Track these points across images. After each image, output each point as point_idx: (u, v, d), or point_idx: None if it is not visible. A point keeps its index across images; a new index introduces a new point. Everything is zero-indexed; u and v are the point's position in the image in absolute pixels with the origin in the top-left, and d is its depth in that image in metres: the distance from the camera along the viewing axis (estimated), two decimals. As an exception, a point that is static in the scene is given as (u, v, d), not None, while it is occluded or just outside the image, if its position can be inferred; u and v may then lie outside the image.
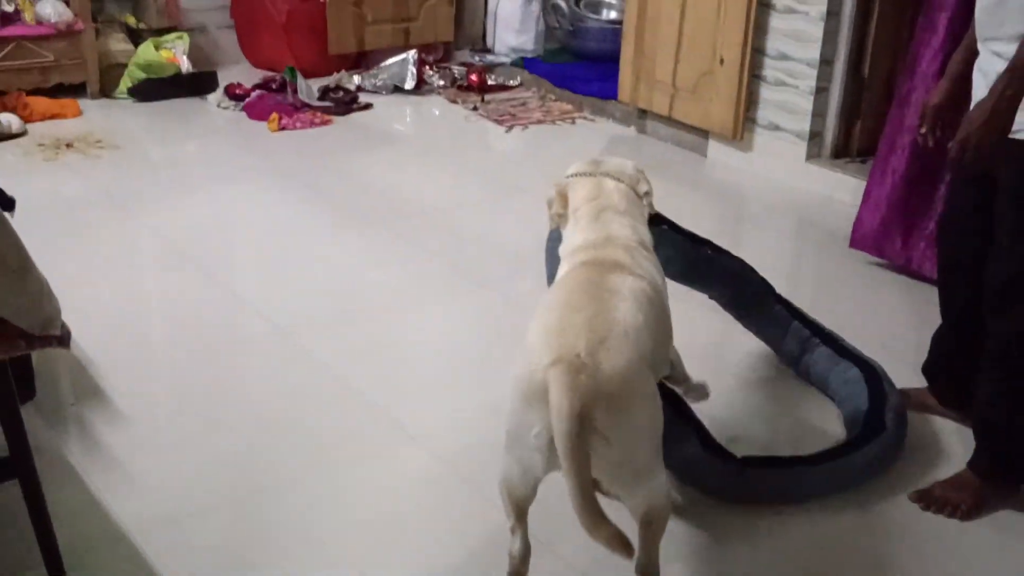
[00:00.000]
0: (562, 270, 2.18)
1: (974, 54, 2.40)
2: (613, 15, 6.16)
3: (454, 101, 5.65)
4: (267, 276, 3.63)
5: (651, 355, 1.97)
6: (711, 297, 2.98)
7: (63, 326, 2.02)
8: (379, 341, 3.19)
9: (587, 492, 1.77)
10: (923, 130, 2.56)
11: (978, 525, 2.42)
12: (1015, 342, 2.38)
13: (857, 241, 3.78)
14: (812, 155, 4.50)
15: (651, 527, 1.97)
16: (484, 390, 2.92)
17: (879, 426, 2.58)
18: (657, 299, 2.10)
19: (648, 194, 2.33)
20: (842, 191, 4.34)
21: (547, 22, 6.26)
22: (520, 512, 2.03)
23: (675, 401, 2.42)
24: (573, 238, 2.22)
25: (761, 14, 4.47)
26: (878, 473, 2.55)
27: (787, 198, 4.42)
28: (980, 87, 2.35)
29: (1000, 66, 2.24)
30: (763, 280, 3.00)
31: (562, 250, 2.24)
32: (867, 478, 2.52)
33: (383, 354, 3.11)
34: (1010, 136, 2.25)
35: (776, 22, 4.46)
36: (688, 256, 2.80)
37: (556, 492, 1.91)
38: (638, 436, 1.88)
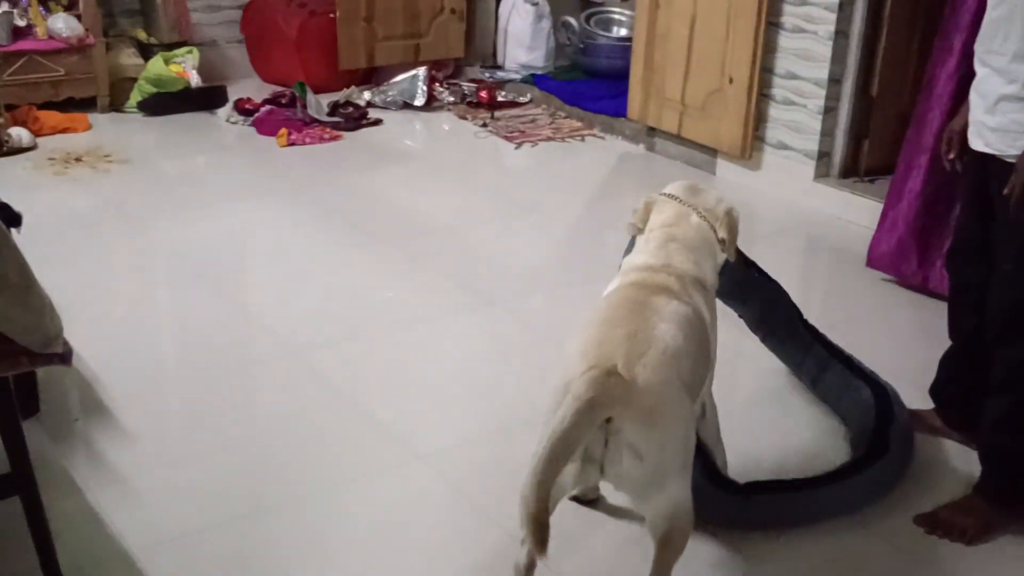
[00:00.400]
0: (612, 285, 2.23)
1: None
2: (623, 32, 6.17)
3: (464, 117, 5.66)
4: (275, 293, 3.64)
5: (689, 379, 1.99)
6: (740, 315, 2.98)
7: (65, 343, 2.02)
8: (388, 359, 3.18)
9: (551, 474, 1.78)
10: (951, 156, 2.51)
11: (984, 550, 2.40)
12: (1020, 368, 2.36)
13: (874, 261, 3.78)
14: (820, 174, 4.49)
15: (668, 548, 1.98)
16: (493, 409, 2.92)
17: (883, 447, 2.56)
18: (700, 328, 2.11)
19: (723, 242, 2.30)
20: (851, 210, 4.33)
21: (558, 39, 6.28)
22: (534, 524, 2.02)
23: None
24: (636, 257, 2.25)
25: (770, 33, 4.47)
26: (881, 495, 2.53)
27: (796, 217, 4.41)
28: (978, 108, 2.34)
29: (998, 85, 2.24)
30: (793, 305, 3.02)
31: (623, 263, 2.27)
32: (870, 500, 2.50)
33: (392, 372, 3.11)
34: (1011, 161, 2.24)
35: (785, 41, 4.46)
36: (735, 276, 2.79)
37: (557, 511, 1.90)
38: (669, 455, 1.90)
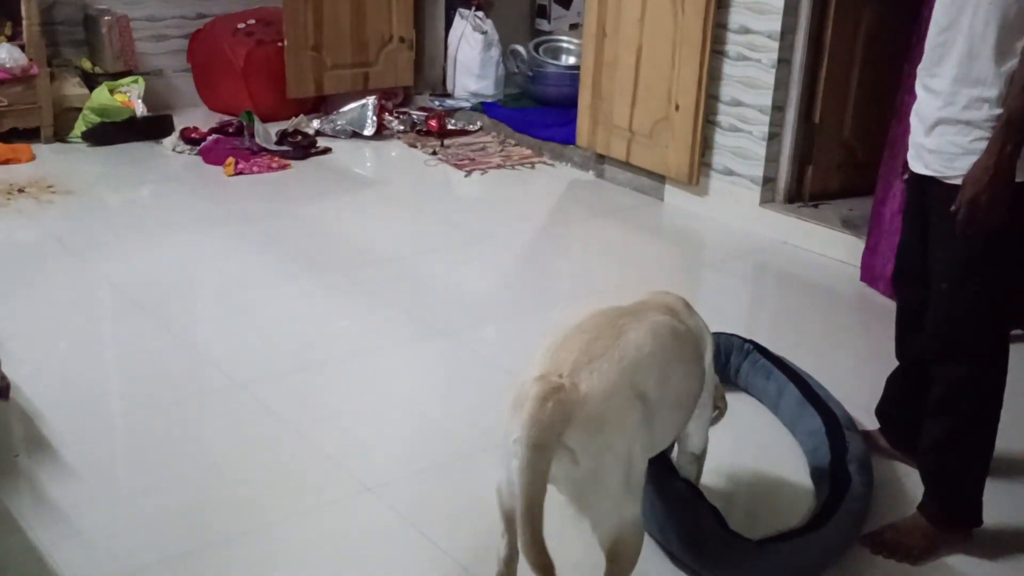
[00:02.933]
0: None
1: None
2: (572, 60, 6.22)
3: (413, 145, 5.66)
4: (223, 326, 3.59)
5: (654, 390, 1.99)
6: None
7: (3, 378, 1.98)
8: (337, 391, 3.16)
9: (535, 507, 1.79)
10: (906, 176, 2.56)
11: (930, 570, 2.43)
12: (957, 388, 2.40)
13: (866, 276, 3.96)
14: (766, 200, 4.55)
15: (616, 563, 1.98)
16: (444, 439, 2.91)
17: (844, 480, 2.54)
18: (688, 344, 2.18)
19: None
20: (796, 235, 4.39)
21: (507, 67, 6.32)
22: (509, 519, 2.05)
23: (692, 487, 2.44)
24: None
25: (715, 61, 4.54)
26: (862, 528, 2.51)
27: (742, 242, 4.46)
28: (917, 131, 2.39)
29: (936, 109, 2.30)
30: (744, 339, 3.16)
31: None
32: (855, 536, 2.47)
33: (340, 404, 3.08)
34: (948, 182, 2.30)
35: (729, 69, 4.53)
36: None
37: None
38: (608, 464, 1.90)
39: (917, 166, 2.41)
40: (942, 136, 2.30)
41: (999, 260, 2.32)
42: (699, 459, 2.48)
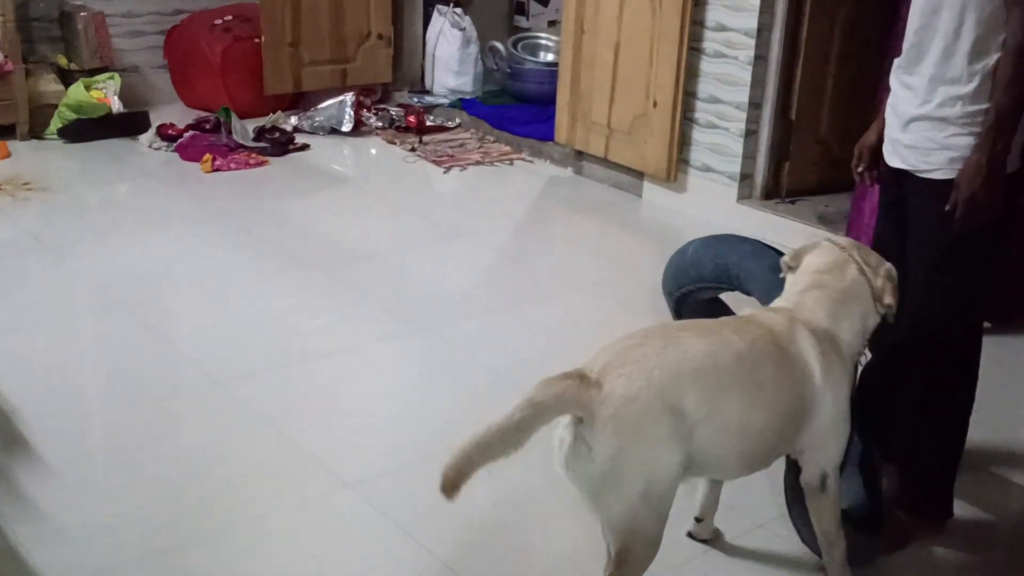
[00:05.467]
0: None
1: None
2: (550, 57, 6.24)
3: (392, 142, 5.65)
4: (201, 323, 3.58)
5: (692, 406, 1.89)
6: None
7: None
8: (316, 388, 3.16)
9: (488, 442, 1.83)
10: (860, 169, 2.62)
11: (904, 561, 2.46)
12: (932, 382, 2.44)
13: None
14: (743, 196, 4.58)
15: (620, 567, 1.96)
16: (422, 435, 2.91)
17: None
18: (780, 374, 2.01)
19: (890, 307, 2.21)
20: (773, 231, 4.40)
21: (485, 64, 6.32)
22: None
23: None
24: (779, 298, 2.23)
25: (692, 58, 4.56)
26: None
27: (720, 238, 4.48)
28: (893, 126, 2.44)
29: (913, 106, 2.34)
30: None
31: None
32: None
33: (320, 401, 3.08)
34: (923, 176, 2.34)
35: (706, 66, 4.55)
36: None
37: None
38: (622, 467, 1.86)
39: (894, 160, 2.46)
40: (918, 132, 2.35)
41: (973, 253, 2.37)
42: (820, 491, 2.20)
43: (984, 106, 2.26)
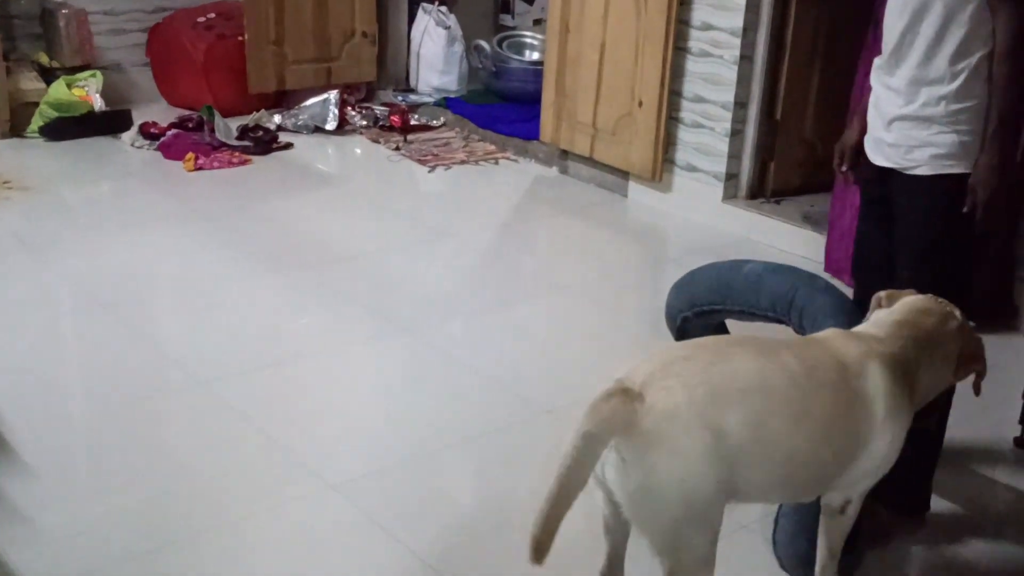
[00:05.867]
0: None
1: None
2: (536, 56, 6.23)
3: (376, 141, 5.63)
4: (183, 322, 3.56)
5: (735, 427, 1.82)
6: None
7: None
8: (300, 389, 3.14)
9: (564, 493, 1.75)
10: (844, 168, 2.65)
11: (885, 554, 2.46)
12: None
13: (831, 267, 3.98)
14: (729, 196, 4.58)
15: None
16: (407, 436, 2.90)
17: None
18: (817, 402, 1.92)
19: (978, 372, 2.16)
20: (758, 231, 4.42)
21: (470, 63, 6.31)
22: (607, 528, 2.01)
23: None
24: (867, 323, 2.16)
25: (678, 58, 4.56)
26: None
27: (705, 238, 4.49)
28: (876, 126, 2.48)
29: (896, 106, 2.39)
30: None
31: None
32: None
33: (304, 402, 3.07)
34: (908, 173, 2.40)
35: (692, 65, 4.55)
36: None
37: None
38: (659, 482, 1.80)
39: (877, 159, 2.49)
40: (901, 131, 2.40)
41: (955, 248, 2.43)
42: (840, 513, 2.16)
43: (968, 104, 2.31)
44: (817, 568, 2.24)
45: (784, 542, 2.38)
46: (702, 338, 2.06)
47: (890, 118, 2.42)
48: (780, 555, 2.40)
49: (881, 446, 2.01)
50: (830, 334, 2.11)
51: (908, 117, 2.38)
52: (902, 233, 2.47)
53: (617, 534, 2.02)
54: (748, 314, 2.67)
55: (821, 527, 2.21)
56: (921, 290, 2.38)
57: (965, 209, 2.34)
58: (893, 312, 2.15)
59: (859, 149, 2.60)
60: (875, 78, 2.49)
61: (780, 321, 2.58)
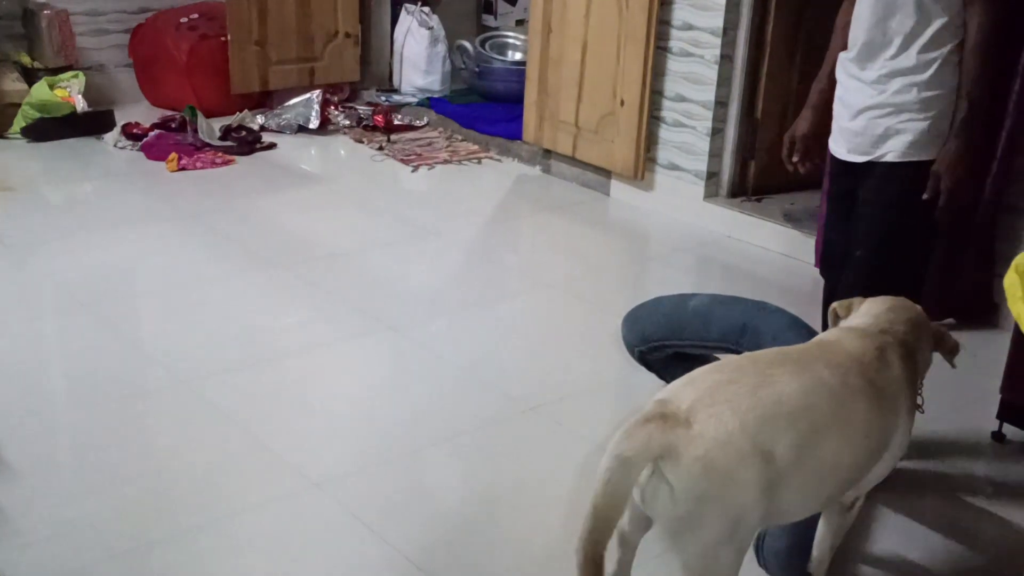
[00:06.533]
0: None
1: (832, 85, 2.61)
2: (518, 56, 6.25)
3: (360, 141, 5.64)
4: (167, 323, 3.56)
5: (784, 451, 1.81)
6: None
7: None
8: (284, 388, 3.15)
9: (603, 520, 1.73)
10: (795, 159, 2.73)
11: (863, 546, 2.49)
12: None
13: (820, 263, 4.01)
14: (710, 194, 4.61)
15: None
16: (392, 434, 2.91)
17: None
18: (856, 409, 1.95)
19: (953, 352, 2.23)
20: (739, 229, 4.45)
21: (453, 63, 6.32)
22: (619, 537, 1.98)
23: None
24: (857, 317, 2.18)
25: (659, 57, 4.58)
26: None
27: (687, 236, 4.52)
28: (842, 117, 2.55)
29: (865, 98, 2.46)
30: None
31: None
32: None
33: (288, 401, 3.07)
34: (878, 160, 2.48)
35: (673, 65, 4.57)
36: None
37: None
38: (707, 511, 1.77)
39: (841, 151, 2.57)
40: (869, 120, 2.48)
41: (912, 233, 2.52)
42: (848, 509, 2.21)
43: (938, 92, 2.41)
44: (814, 564, 2.26)
45: (780, 562, 2.32)
46: (738, 358, 2.00)
47: (858, 109, 2.49)
48: (767, 563, 2.35)
49: (903, 433, 2.08)
50: (839, 334, 2.13)
51: (879, 106, 2.46)
52: (864, 218, 2.55)
53: (630, 546, 2.01)
54: (700, 347, 2.73)
55: (825, 525, 2.22)
56: (878, 274, 2.50)
57: (925, 196, 2.42)
58: (868, 312, 2.17)
59: (810, 140, 2.70)
60: (843, 72, 2.56)
61: (730, 351, 2.59)
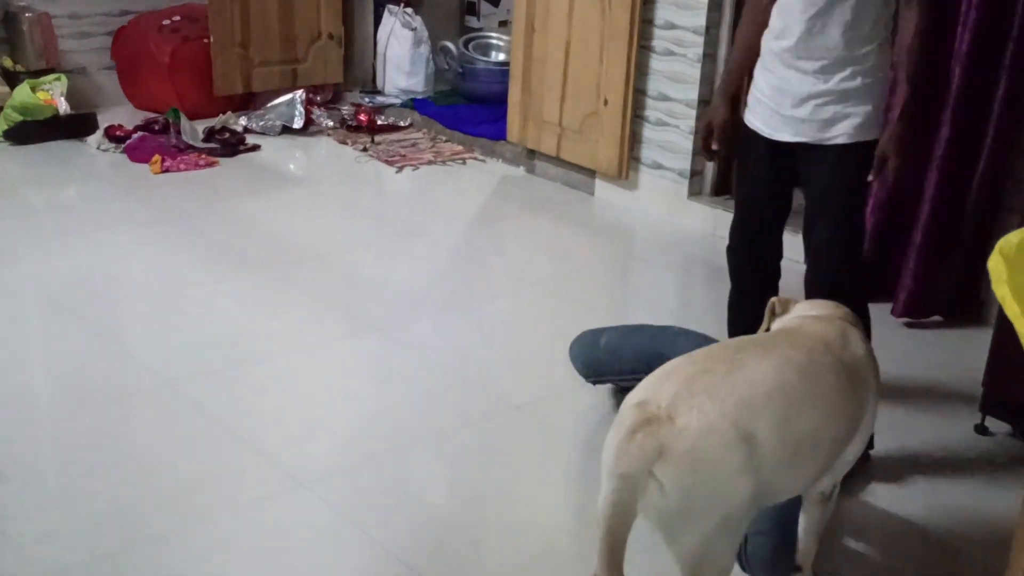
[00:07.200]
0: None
1: (745, 77, 2.80)
2: (502, 57, 6.25)
3: (344, 142, 5.64)
4: (152, 325, 3.55)
5: (765, 432, 1.84)
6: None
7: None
8: (269, 389, 3.14)
9: (616, 538, 1.74)
10: (715, 147, 2.84)
11: (841, 536, 2.50)
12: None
13: None
14: (693, 192, 4.63)
15: None
16: (378, 433, 2.92)
17: None
18: (824, 384, 2.00)
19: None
20: (722, 227, 4.42)
21: (437, 64, 6.32)
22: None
23: None
24: (798, 308, 2.24)
25: (642, 56, 4.60)
26: None
27: (671, 234, 4.53)
28: (784, 105, 2.64)
29: (808, 85, 2.57)
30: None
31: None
32: None
33: (273, 401, 3.07)
34: (827, 144, 2.60)
35: (656, 64, 4.59)
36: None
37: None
38: (699, 502, 1.80)
39: (785, 135, 2.66)
40: (816, 107, 2.60)
41: (863, 209, 2.77)
42: (827, 499, 2.23)
43: (879, 76, 2.59)
44: (800, 555, 2.28)
45: (766, 564, 2.31)
46: (707, 348, 2.03)
47: (802, 96, 2.59)
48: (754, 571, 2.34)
49: (872, 413, 2.15)
50: (799, 321, 2.18)
51: (825, 94, 2.57)
52: (820, 199, 2.67)
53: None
54: (620, 381, 2.85)
55: (807, 518, 2.25)
56: (843, 250, 2.67)
57: (871, 178, 2.59)
58: (811, 306, 2.24)
59: (728, 129, 2.80)
60: (779, 62, 2.64)
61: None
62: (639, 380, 2.52)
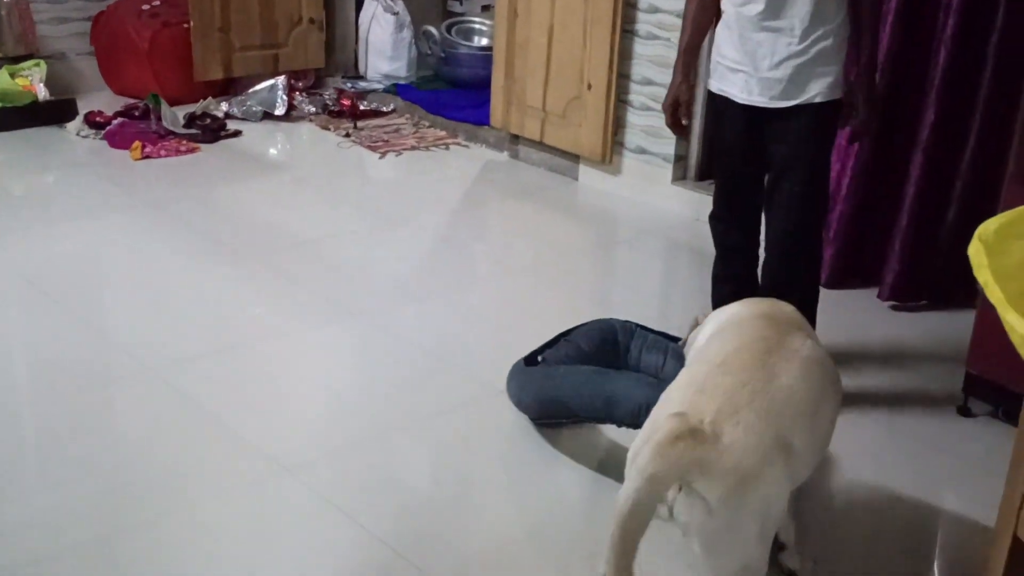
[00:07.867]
0: (722, 315, 2.22)
1: (697, 51, 2.98)
2: (484, 42, 6.22)
3: (326, 127, 5.60)
4: (133, 312, 3.52)
5: (799, 438, 1.89)
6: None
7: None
8: (252, 375, 3.13)
9: (630, 538, 1.74)
10: (684, 122, 2.96)
11: (824, 517, 2.51)
12: (808, 286, 2.91)
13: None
14: (677, 177, 4.62)
15: None
16: (362, 419, 2.91)
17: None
18: (832, 376, 2.09)
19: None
20: (706, 212, 4.44)
21: (419, 49, 6.29)
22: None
23: None
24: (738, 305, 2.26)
25: (625, 40, 4.58)
26: None
27: (655, 219, 4.53)
28: (761, 67, 2.74)
29: (783, 47, 2.67)
30: (624, 321, 3.06)
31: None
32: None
33: (257, 388, 3.05)
34: (803, 103, 2.71)
35: (640, 48, 4.58)
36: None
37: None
38: (744, 515, 1.81)
39: (759, 99, 2.75)
40: (793, 68, 2.70)
41: (828, 162, 2.92)
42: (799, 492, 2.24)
43: (845, 35, 2.72)
44: (782, 534, 2.29)
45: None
46: (738, 353, 2.01)
47: (779, 59, 2.69)
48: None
49: (838, 401, 2.18)
50: (767, 308, 2.20)
51: (801, 54, 2.68)
52: (792, 156, 2.77)
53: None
54: (573, 421, 2.82)
55: (792, 510, 2.24)
56: (812, 205, 2.81)
57: (847, 126, 2.82)
58: (742, 307, 2.25)
59: (690, 105, 2.99)
60: (749, 25, 2.71)
61: (599, 421, 2.71)
62: (580, 418, 2.66)
